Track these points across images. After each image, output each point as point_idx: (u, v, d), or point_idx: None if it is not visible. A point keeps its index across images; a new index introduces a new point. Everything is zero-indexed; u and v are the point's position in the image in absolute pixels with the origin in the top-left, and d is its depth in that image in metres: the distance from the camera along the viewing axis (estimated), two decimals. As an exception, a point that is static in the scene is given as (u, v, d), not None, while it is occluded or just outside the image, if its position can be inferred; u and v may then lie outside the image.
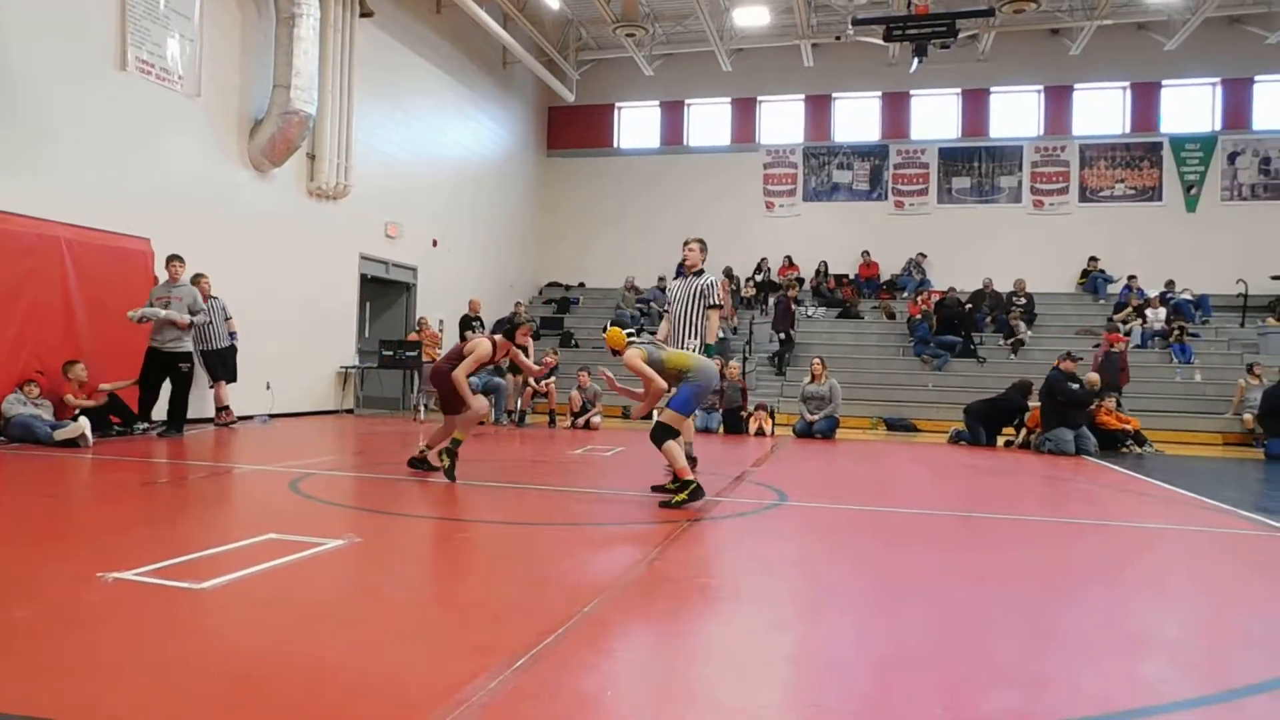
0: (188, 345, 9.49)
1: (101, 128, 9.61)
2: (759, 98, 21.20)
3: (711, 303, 7.29)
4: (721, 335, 15.78)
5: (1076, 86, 19.62)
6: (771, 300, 17.99)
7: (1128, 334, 16.59)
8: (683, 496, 5.39)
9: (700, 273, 7.45)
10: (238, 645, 2.72)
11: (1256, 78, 18.73)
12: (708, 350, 7.28)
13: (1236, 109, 18.91)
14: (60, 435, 7.81)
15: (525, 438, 10.83)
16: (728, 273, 19.54)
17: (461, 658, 2.62)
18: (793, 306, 17.31)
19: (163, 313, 9.10)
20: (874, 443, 12.34)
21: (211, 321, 10.53)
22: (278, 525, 4.36)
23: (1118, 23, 17.44)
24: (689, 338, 7.31)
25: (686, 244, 7.57)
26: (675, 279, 7.71)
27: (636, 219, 21.43)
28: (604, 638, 2.92)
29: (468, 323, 15.26)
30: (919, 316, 17.18)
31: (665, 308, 7.90)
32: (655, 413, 5.75)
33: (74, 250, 9.08)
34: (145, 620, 2.95)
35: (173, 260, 9.42)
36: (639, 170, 21.65)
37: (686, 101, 21.61)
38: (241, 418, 11.02)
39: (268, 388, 12.01)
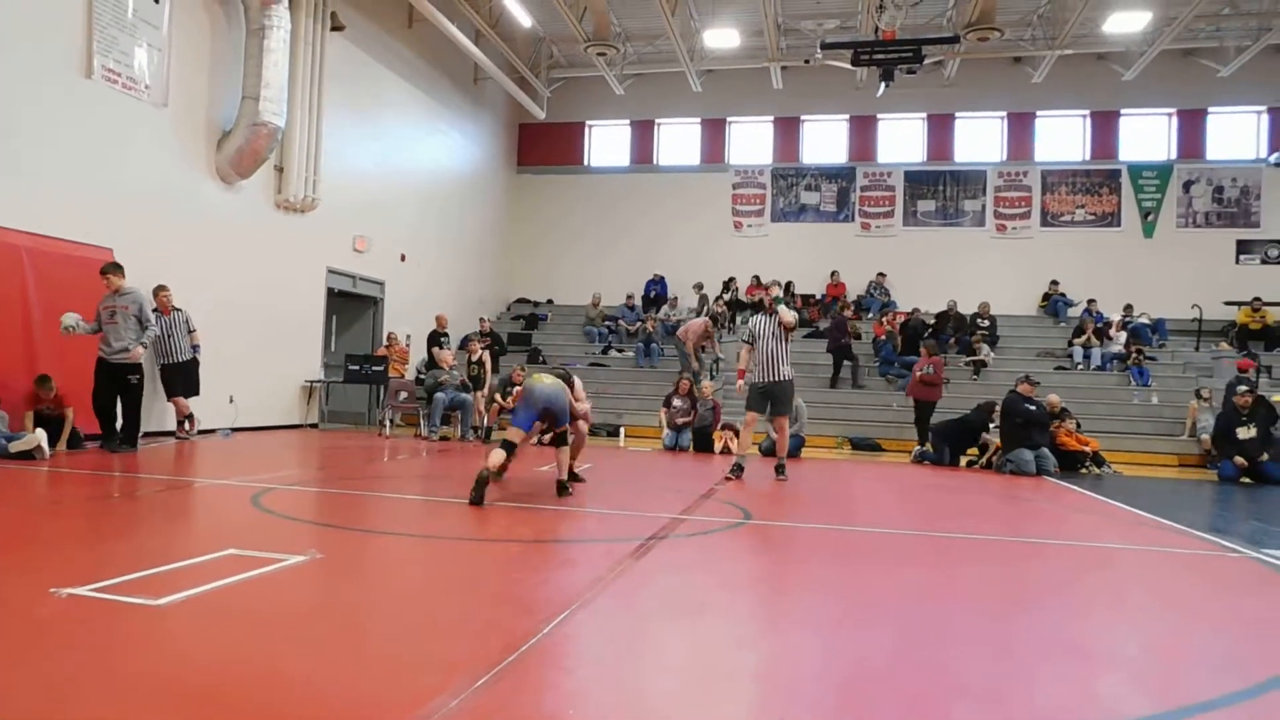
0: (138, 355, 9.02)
1: (65, 135, 9.47)
2: (728, 118, 21.40)
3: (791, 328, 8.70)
4: (716, 356, 16.15)
5: (1038, 113, 20.05)
6: (820, 318, 18.59)
7: (1086, 357, 16.90)
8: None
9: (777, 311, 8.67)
10: (194, 662, 2.68)
11: (1210, 109, 19.27)
12: None
13: (1191, 139, 19.43)
14: (15, 447, 7.65)
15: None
16: (698, 287, 19.66)
17: (422, 675, 2.60)
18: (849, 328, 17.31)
19: (85, 327, 8.65)
20: (839, 462, 12.44)
21: (173, 334, 10.40)
22: (238, 540, 4.30)
23: (1078, 53, 17.84)
24: (780, 366, 8.62)
25: (766, 288, 9.16)
26: (755, 315, 9.16)
27: (606, 236, 21.50)
28: (566, 655, 2.92)
29: (435, 339, 15.21)
30: (884, 337, 17.36)
31: (746, 339, 9.01)
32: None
33: (34, 259, 8.93)
34: (99, 637, 2.90)
35: (106, 272, 8.86)
36: (609, 188, 21.73)
37: (657, 121, 21.75)
38: (203, 431, 10.87)
39: (230, 401, 11.85)
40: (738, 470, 8.64)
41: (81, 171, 9.66)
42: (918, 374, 13.37)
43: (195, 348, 10.59)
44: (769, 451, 12.27)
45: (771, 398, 8.68)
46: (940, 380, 13.29)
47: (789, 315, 8.66)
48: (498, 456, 6.12)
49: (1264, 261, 18.86)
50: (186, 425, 10.55)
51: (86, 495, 6.22)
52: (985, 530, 6.38)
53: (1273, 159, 18.62)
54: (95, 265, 9.45)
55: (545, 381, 6.55)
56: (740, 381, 8.93)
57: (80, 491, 6.41)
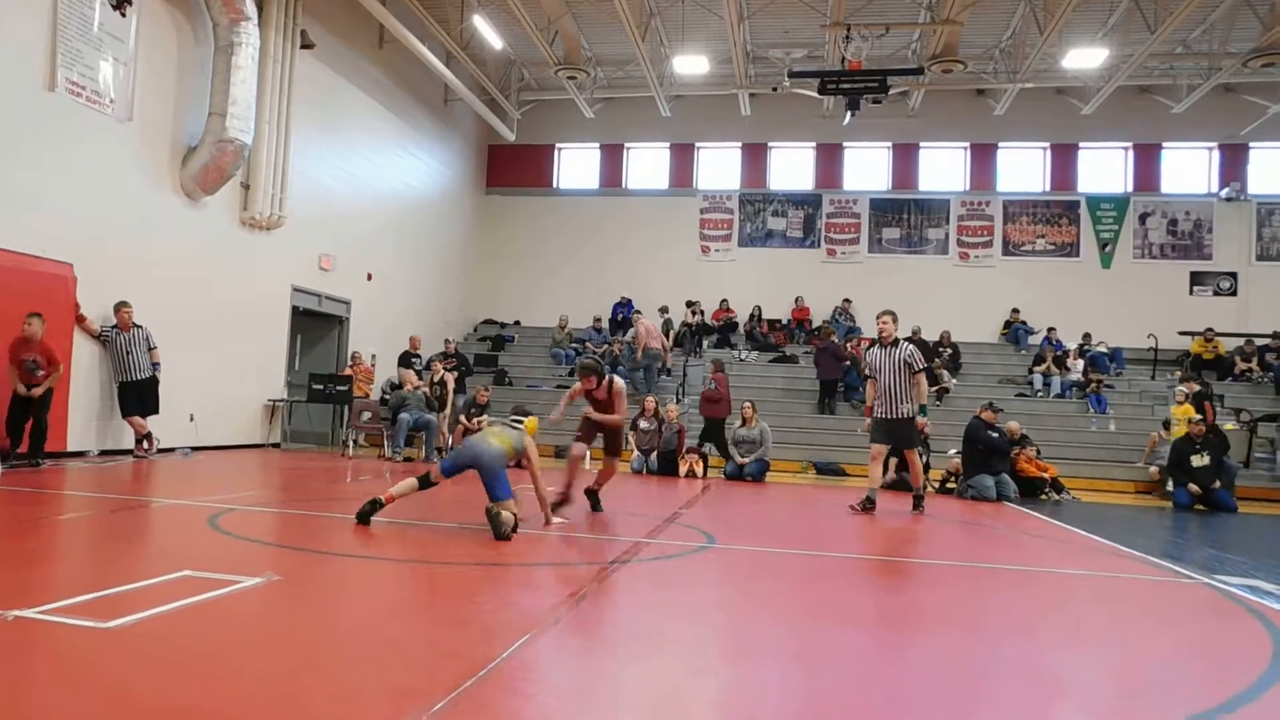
0: None
1: (26, 149, 9.32)
2: (697, 144, 21.61)
3: (916, 369, 8.32)
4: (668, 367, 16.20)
5: (1000, 145, 20.49)
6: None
7: (1046, 384, 17.16)
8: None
9: (896, 342, 8.40)
10: (143, 688, 2.63)
11: (1164, 144, 19.83)
12: (921, 410, 8.34)
13: (1146, 172, 19.96)
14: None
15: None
16: (663, 310, 19.71)
17: (379, 701, 2.58)
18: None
19: None
20: (803, 486, 12.50)
21: (132, 351, 10.24)
22: (194, 562, 4.23)
23: (1038, 86, 18.28)
24: (901, 403, 8.35)
25: (879, 318, 8.66)
26: (872, 348, 8.81)
27: (574, 259, 21.55)
28: (526, 680, 2.90)
29: (406, 359, 15.16)
30: (848, 363, 17.50)
31: (867, 372, 8.90)
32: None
33: (-10, 274, 8.76)
34: (45, 661, 2.84)
35: None
36: (577, 211, 21.81)
37: (626, 144, 21.90)
38: (162, 450, 10.68)
39: (191, 420, 11.67)
40: (869, 505, 8.43)
41: (42, 185, 9.51)
42: (704, 391, 13.72)
43: (155, 365, 10.45)
44: (734, 475, 12.32)
45: (895, 434, 8.58)
46: (723, 397, 13.55)
47: (924, 383, 8.43)
48: (404, 486, 6.00)
49: (1216, 293, 19.37)
50: (145, 444, 10.39)
51: (37, 514, 6.08)
52: (945, 556, 6.44)
53: (1223, 193, 19.19)
54: (53, 281, 9.32)
55: (491, 443, 6.04)
56: (867, 419, 8.77)
57: (31, 510, 6.26)
